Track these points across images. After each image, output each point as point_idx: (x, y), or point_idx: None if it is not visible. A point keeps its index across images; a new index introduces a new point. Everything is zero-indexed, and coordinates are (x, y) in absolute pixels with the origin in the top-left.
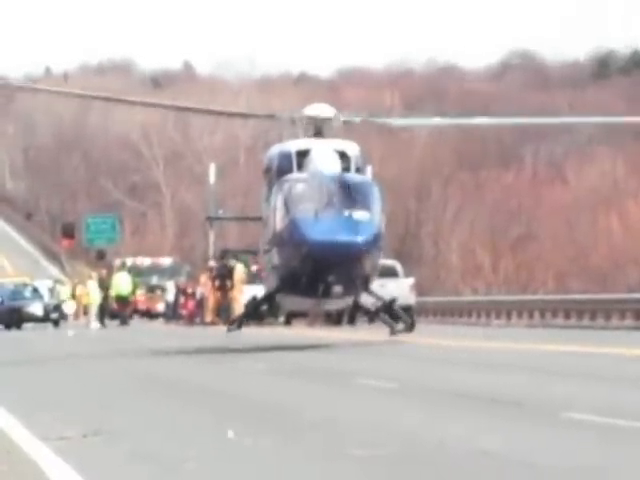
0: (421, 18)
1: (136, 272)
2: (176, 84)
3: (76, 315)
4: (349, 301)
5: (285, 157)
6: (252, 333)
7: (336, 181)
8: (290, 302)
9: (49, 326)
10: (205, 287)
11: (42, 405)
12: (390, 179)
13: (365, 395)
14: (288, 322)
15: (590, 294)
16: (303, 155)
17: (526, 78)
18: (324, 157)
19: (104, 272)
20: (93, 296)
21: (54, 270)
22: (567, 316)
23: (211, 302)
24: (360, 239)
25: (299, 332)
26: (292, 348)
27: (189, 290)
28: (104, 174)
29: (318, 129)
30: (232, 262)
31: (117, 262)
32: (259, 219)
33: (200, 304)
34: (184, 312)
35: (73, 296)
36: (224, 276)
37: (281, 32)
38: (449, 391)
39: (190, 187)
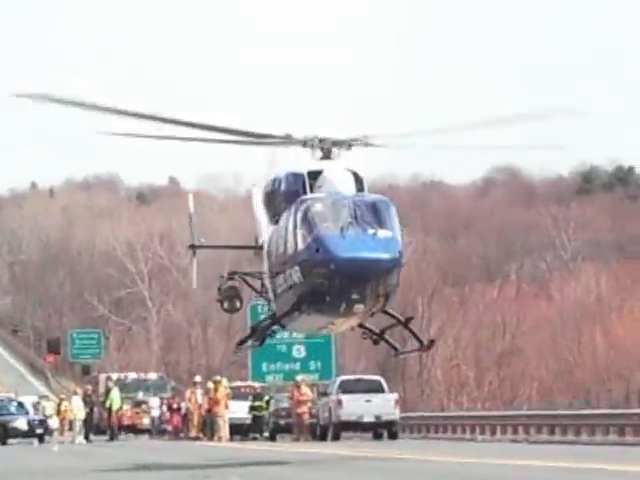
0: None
1: (121, 387)
2: (162, 199)
3: (61, 430)
4: (364, 319)
5: (296, 179)
6: (237, 447)
7: (356, 200)
8: (302, 322)
9: (34, 441)
10: (190, 402)
11: None
12: None
13: None
14: (272, 437)
15: (574, 409)
16: (314, 177)
17: (510, 194)
18: (339, 178)
19: (89, 388)
20: (78, 412)
21: (39, 385)
22: (551, 431)
23: (196, 417)
24: (387, 256)
25: (284, 447)
26: (277, 463)
27: (174, 405)
28: (89, 289)
29: (327, 151)
30: (217, 377)
31: (102, 377)
32: (250, 247)
33: (185, 419)
34: (169, 427)
35: (58, 411)
36: (233, 298)
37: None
38: None
39: (176, 302)
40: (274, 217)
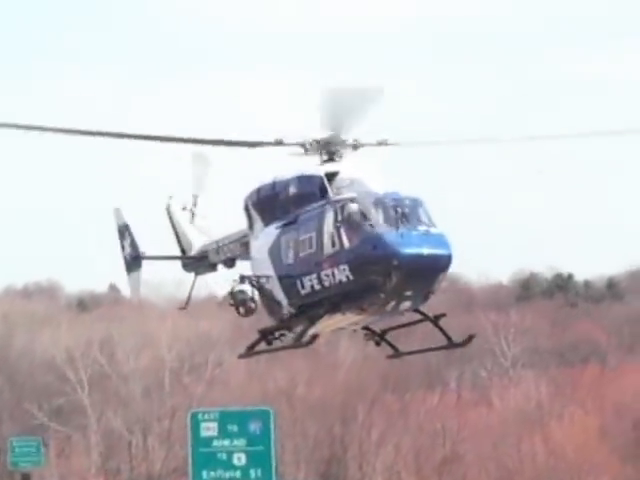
0: None
1: None
2: (102, 307)
3: None
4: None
5: (311, 180)
6: None
7: (395, 197)
8: (330, 320)
9: None
10: None
11: None
12: (315, 401)
13: None
14: None
15: None
16: (330, 178)
17: (450, 300)
18: (365, 177)
19: None
20: None
21: None
22: None
23: None
24: (446, 252)
25: None
26: None
27: None
28: (29, 397)
29: (331, 153)
30: None
31: None
32: (192, 258)
33: None
34: None
35: None
36: (246, 301)
37: None
38: None
39: (116, 409)
40: (271, 220)
